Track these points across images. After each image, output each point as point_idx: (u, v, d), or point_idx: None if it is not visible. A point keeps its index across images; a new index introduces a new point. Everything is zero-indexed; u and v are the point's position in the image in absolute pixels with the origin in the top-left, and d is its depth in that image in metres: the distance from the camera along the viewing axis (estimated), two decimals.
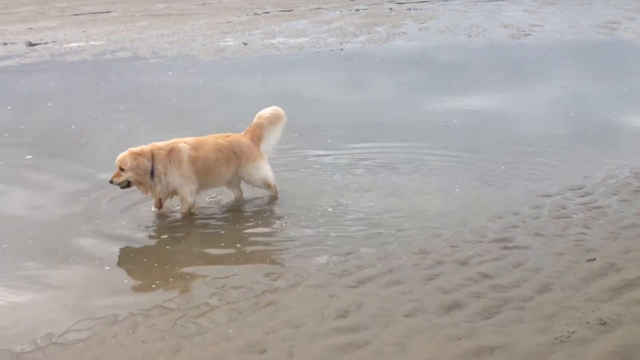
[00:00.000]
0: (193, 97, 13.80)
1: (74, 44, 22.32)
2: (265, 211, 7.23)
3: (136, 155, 6.69)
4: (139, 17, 30.18)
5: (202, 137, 7.19)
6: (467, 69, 16.38)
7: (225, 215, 7.23)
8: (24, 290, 5.50)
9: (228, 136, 7.28)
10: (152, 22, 28.25)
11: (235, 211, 7.32)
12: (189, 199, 7.00)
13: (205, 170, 6.99)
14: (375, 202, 7.35)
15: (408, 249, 6.12)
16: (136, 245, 6.45)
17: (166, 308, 5.14)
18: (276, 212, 7.16)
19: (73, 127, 11.18)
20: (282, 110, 7.57)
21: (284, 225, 6.81)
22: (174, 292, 5.40)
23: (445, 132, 10.54)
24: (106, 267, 5.95)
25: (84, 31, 25.58)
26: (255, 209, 7.33)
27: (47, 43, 22.77)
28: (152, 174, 6.77)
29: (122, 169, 6.69)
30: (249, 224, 6.89)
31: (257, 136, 7.39)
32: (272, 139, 7.52)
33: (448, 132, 10.50)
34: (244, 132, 7.43)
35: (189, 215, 7.05)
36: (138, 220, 7.00)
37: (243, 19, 28.69)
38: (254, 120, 7.48)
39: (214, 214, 7.25)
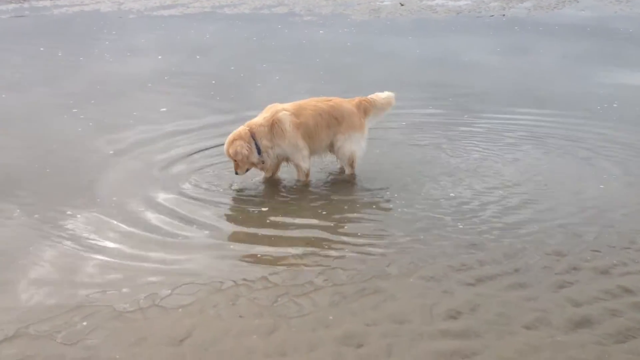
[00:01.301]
0: (340, 56, 13.54)
1: None
2: (383, 187, 6.75)
3: (232, 142, 6.46)
4: None
5: (301, 102, 6.79)
6: None
7: (336, 188, 6.84)
8: (132, 249, 5.48)
9: (330, 100, 6.85)
10: None
11: (347, 186, 6.90)
12: (303, 164, 6.75)
13: (307, 136, 6.65)
14: (513, 188, 6.71)
15: (541, 247, 5.48)
16: (240, 213, 6.25)
17: (270, 282, 4.95)
18: (397, 189, 6.68)
19: (213, 82, 11.34)
20: (393, 97, 7.12)
21: (404, 204, 6.33)
22: (280, 265, 5.19)
23: (608, 111, 9.52)
24: (205, 231, 5.81)
25: None
26: (371, 184, 6.87)
27: None
28: (258, 151, 6.55)
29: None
30: (363, 201, 6.48)
31: (365, 108, 6.95)
32: (375, 119, 7.16)
33: (612, 112, 9.47)
34: (350, 99, 7.00)
35: (306, 183, 6.82)
36: (242, 186, 6.80)
37: None
38: (370, 97, 7.05)
39: (321, 186, 6.89)
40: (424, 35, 15.96)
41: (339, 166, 7.19)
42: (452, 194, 6.55)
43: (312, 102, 6.79)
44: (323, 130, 6.70)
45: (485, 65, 12.85)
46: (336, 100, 6.88)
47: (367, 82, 11.12)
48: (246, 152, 6.45)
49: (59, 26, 17.23)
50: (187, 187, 6.73)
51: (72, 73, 11.93)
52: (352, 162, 6.91)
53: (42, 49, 14.11)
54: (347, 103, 6.89)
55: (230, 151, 6.47)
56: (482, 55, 13.70)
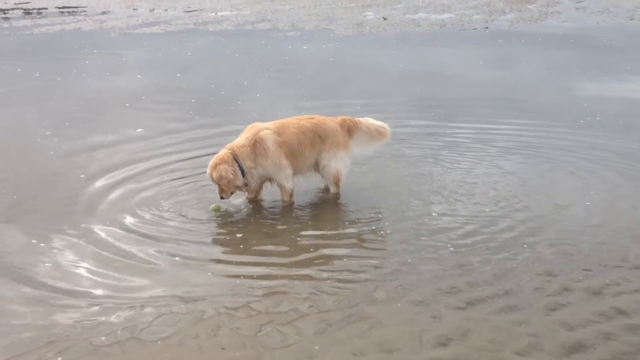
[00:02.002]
0: (324, 71, 13.44)
1: (219, 13, 22.71)
2: (367, 208, 6.59)
3: (215, 166, 6.26)
4: None
5: (283, 121, 6.63)
6: (625, 55, 14.77)
7: (319, 210, 6.65)
8: (108, 279, 5.25)
9: (313, 118, 6.70)
10: None
11: (330, 207, 6.72)
12: (286, 184, 6.57)
13: (291, 155, 6.48)
14: (500, 204, 6.59)
15: (532, 267, 5.35)
16: (220, 238, 6.04)
17: (254, 310, 4.77)
18: (382, 209, 6.54)
19: (193, 100, 11.18)
20: (388, 130, 6.95)
21: (390, 225, 6.18)
22: (263, 291, 5.01)
23: (593, 121, 9.49)
24: (180, 259, 5.62)
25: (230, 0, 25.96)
26: (355, 204, 6.71)
27: (195, 11, 23.36)
28: (242, 173, 6.38)
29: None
30: (347, 223, 6.31)
31: (348, 127, 6.79)
32: (360, 145, 6.93)
33: (596, 122, 9.45)
34: (333, 117, 6.85)
35: (290, 203, 6.65)
36: (223, 210, 6.56)
37: None
38: (358, 119, 6.91)
39: (303, 207, 6.69)
40: (408, 49, 15.92)
41: (323, 185, 7.04)
42: (438, 213, 6.40)
43: (295, 121, 6.63)
44: (307, 148, 6.55)
45: (469, 77, 12.81)
46: (319, 118, 6.73)
47: (350, 96, 11.05)
48: (231, 177, 6.26)
49: (39, 46, 17.01)
50: (159, 212, 6.49)
51: (48, 94, 11.70)
52: (338, 180, 6.77)
53: (19, 69, 13.87)
54: (331, 121, 6.75)
55: (215, 175, 6.28)
56: (466, 68, 13.68)
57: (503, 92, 11.56)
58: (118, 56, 15.44)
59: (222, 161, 6.27)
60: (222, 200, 6.50)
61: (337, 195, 6.84)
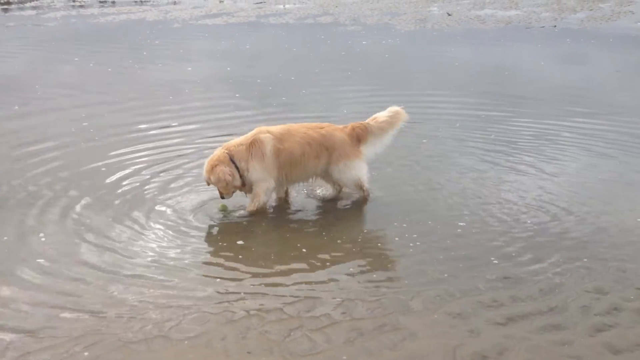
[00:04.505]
0: (378, 69, 13.20)
1: (287, 6, 22.66)
2: (408, 210, 6.35)
3: (212, 169, 6.08)
4: None
5: (290, 127, 6.39)
6: None
7: (354, 211, 6.50)
8: (140, 275, 5.22)
9: (322, 128, 6.44)
10: None
11: (365, 208, 6.55)
12: (263, 197, 6.26)
13: (289, 164, 6.23)
14: (551, 212, 6.31)
15: (581, 283, 5.07)
16: (256, 238, 5.92)
17: (285, 313, 4.67)
18: (423, 212, 6.32)
19: (237, 95, 11.11)
20: (399, 111, 6.61)
21: (430, 231, 5.95)
22: (297, 294, 4.90)
23: None
24: (209, 257, 5.59)
25: None
26: (393, 206, 6.50)
27: (263, 2, 23.38)
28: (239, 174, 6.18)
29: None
30: (385, 226, 6.12)
31: (358, 136, 6.49)
32: (378, 144, 6.61)
33: None
34: (343, 127, 6.57)
35: (255, 213, 6.29)
36: (230, 210, 6.36)
37: None
38: (367, 121, 6.59)
39: (340, 209, 6.54)
40: (471, 46, 15.53)
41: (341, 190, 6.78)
42: (484, 221, 6.14)
43: (303, 129, 6.38)
44: (311, 160, 6.30)
45: (532, 76, 12.43)
46: (328, 128, 6.46)
47: (399, 95, 10.78)
48: (229, 178, 6.06)
49: (100, 35, 17.28)
50: (175, 217, 6.22)
51: (94, 84, 11.59)
52: (361, 186, 6.52)
53: (76, 58, 14.11)
54: (340, 131, 6.46)
55: (212, 179, 6.09)
56: (530, 67, 13.28)
57: (567, 93, 11.14)
58: (175, 47, 15.49)
59: (219, 162, 6.09)
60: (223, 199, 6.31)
61: (367, 196, 6.61)
